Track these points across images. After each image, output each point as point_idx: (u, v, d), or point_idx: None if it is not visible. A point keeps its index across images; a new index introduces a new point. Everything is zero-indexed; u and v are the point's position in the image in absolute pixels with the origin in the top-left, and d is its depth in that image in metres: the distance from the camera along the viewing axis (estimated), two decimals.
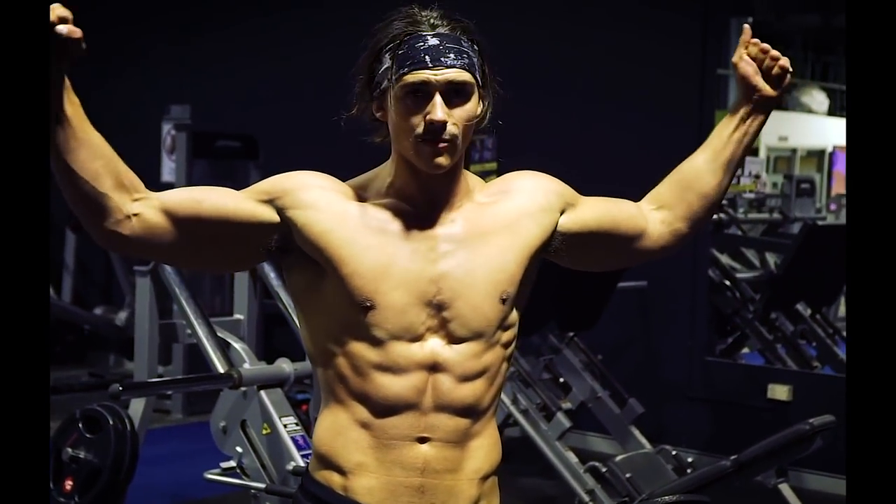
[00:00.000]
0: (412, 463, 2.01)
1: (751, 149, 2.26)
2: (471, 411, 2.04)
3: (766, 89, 2.18)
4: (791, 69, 2.20)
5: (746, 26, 2.20)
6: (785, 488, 4.75)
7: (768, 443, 4.59)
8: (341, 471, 2.03)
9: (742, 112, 2.21)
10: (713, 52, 6.51)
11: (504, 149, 6.97)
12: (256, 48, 8.60)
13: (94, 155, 1.94)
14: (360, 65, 2.03)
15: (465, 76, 1.95)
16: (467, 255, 2.02)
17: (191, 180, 7.82)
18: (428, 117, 1.93)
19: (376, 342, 1.99)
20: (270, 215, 2.01)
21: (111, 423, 4.07)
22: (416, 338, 2.00)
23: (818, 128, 11.15)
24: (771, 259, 7.64)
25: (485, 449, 2.08)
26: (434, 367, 2.01)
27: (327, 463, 2.04)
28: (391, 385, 1.99)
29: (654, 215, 2.23)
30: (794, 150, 10.56)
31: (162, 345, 4.87)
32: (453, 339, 2.01)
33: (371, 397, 2.01)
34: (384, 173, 2.06)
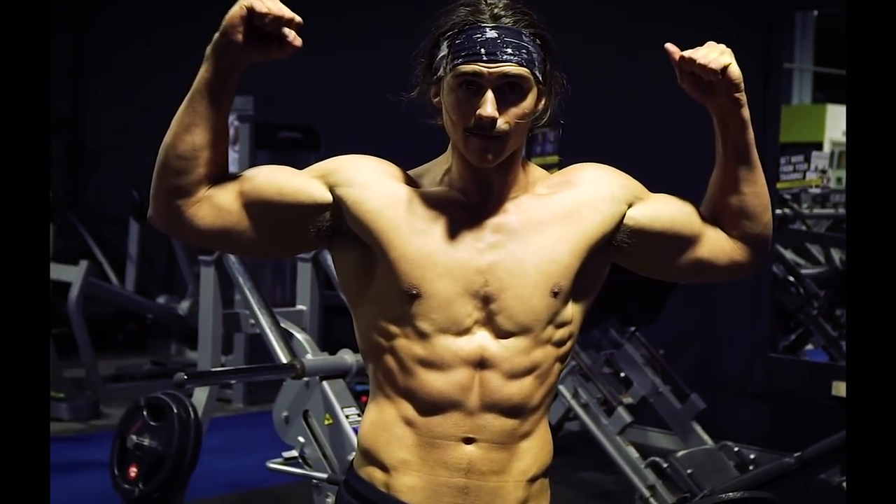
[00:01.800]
0: (456, 463, 1.98)
1: (753, 146, 2.14)
2: (519, 411, 1.99)
3: (708, 97, 2.09)
4: (720, 63, 2.08)
5: (668, 46, 2.12)
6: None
7: (833, 440, 4.54)
8: (384, 468, 2.01)
9: (717, 119, 2.12)
10: (777, 47, 6.44)
11: (566, 143, 6.95)
12: (318, 38, 8.61)
13: (215, 142, 1.95)
14: (421, 48, 2.00)
15: (520, 71, 1.91)
16: (518, 246, 1.98)
17: None
18: (478, 112, 1.90)
19: (422, 335, 1.96)
20: (322, 192, 2.00)
21: (175, 411, 4.10)
22: (463, 331, 1.96)
23: None
24: (836, 255, 7.55)
25: (534, 451, 2.03)
26: (481, 364, 1.96)
27: (371, 459, 2.02)
28: (436, 382, 1.96)
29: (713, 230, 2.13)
30: None
31: (224, 334, 4.90)
32: (501, 334, 1.97)
33: (416, 394, 1.98)
34: (442, 161, 2.05)
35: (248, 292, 4.47)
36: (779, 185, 6.53)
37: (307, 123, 8.15)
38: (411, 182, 2.02)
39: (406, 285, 1.95)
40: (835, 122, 10.09)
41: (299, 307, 4.84)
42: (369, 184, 1.99)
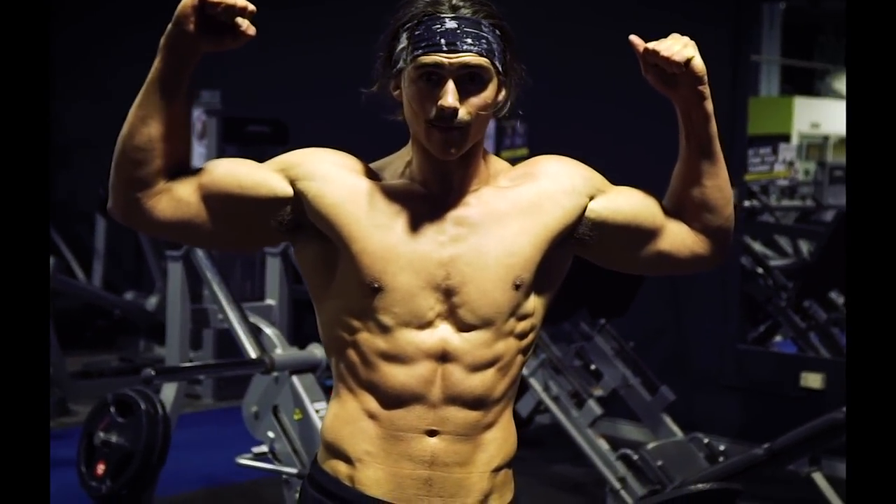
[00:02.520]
0: (420, 455, 1.98)
1: (716, 139, 2.15)
2: (482, 403, 2.00)
3: (672, 89, 2.09)
4: (684, 55, 2.08)
5: (632, 38, 2.11)
6: (818, 477, 4.72)
7: (801, 431, 4.56)
8: (348, 460, 2.00)
9: (681, 112, 2.13)
10: (745, 39, 6.46)
11: (535, 136, 6.95)
12: (286, 34, 8.60)
13: (172, 134, 1.94)
14: (380, 41, 1.99)
15: (480, 61, 1.90)
16: (479, 239, 1.97)
17: None
18: (439, 103, 1.89)
19: (384, 329, 1.96)
20: (283, 186, 1.98)
21: (143, 407, 4.08)
22: (425, 325, 1.96)
23: None
24: (804, 247, 7.59)
25: (497, 441, 2.03)
26: (443, 357, 1.96)
27: (335, 452, 2.02)
28: (399, 375, 1.96)
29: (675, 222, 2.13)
30: (826, 137, 10.46)
31: (192, 330, 4.87)
32: (463, 327, 1.97)
33: (379, 388, 1.98)
34: (403, 154, 2.04)
35: (216, 287, 4.45)
36: (747, 177, 6.56)
37: (275, 117, 8.13)
38: (372, 175, 2.01)
39: (368, 279, 1.94)
40: (802, 115, 10.15)
41: (268, 302, 4.82)
42: (330, 177, 1.98)
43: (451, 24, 1.89)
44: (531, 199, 2.01)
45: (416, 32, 1.90)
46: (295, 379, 4.12)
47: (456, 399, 1.97)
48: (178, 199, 1.95)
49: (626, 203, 2.09)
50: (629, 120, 6.76)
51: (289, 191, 1.98)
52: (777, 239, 7.78)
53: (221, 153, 7.85)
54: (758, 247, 7.30)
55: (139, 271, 9.42)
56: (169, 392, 4.34)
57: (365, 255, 1.94)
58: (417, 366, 1.96)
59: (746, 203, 6.69)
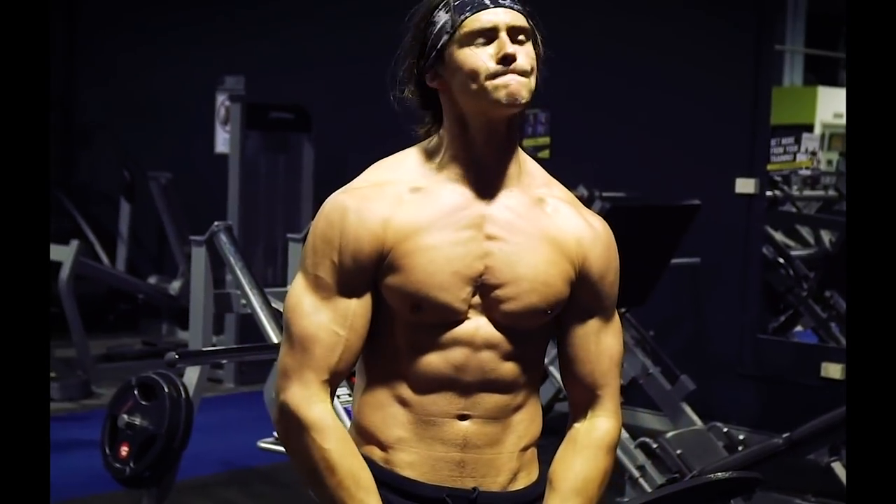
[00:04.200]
0: (452, 439, 2.01)
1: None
2: (513, 387, 2.03)
3: None
4: None
5: None
6: (837, 467, 4.72)
7: (821, 421, 4.56)
8: (382, 445, 2.03)
9: None
10: (769, 29, 6.44)
11: (557, 124, 6.95)
12: (310, 18, 8.61)
13: None
14: (407, 42, 2.00)
15: (525, 22, 1.95)
16: (517, 245, 2.00)
17: (244, 151, 7.86)
18: (501, 52, 1.92)
19: (418, 326, 2.00)
20: (368, 285, 2.00)
21: (166, 390, 4.10)
22: (459, 319, 1.99)
23: None
24: (826, 237, 7.56)
25: (525, 422, 2.07)
26: (478, 345, 1.99)
27: (368, 437, 2.04)
28: (431, 362, 1.99)
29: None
30: None
31: (215, 314, 4.89)
32: (496, 323, 2.00)
33: (410, 375, 2.00)
34: (430, 150, 2.04)
35: (239, 272, 4.47)
36: (769, 167, 6.54)
37: (298, 103, 8.14)
38: (394, 193, 2.00)
39: (411, 302, 1.97)
40: (826, 104, 10.09)
41: (290, 287, 4.84)
42: (363, 242, 1.98)
43: None
44: (562, 239, 2.03)
45: (456, 3, 1.93)
46: None
47: (488, 385, 2.01)
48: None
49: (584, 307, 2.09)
50: (651, 108, 6.75)
51: (370, 287, 2.00)
52: (799, 229, 7.76)
53: (244, 139, 7.87)
54: (779, 237, 7.29)
55: (162, 255, 9.46)
56: (191, 376, 4.36)
57: (408, 284, 1.97)
58: (451, 352, 1.99)
59: (769, 193, 6.68)
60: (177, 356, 3.90)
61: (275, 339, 4.18)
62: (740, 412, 6.28)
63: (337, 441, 1.95)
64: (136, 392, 4.16)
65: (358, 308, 1.98)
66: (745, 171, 6.38)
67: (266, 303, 4.34)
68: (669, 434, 5.13)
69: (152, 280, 8.58)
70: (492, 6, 1.93)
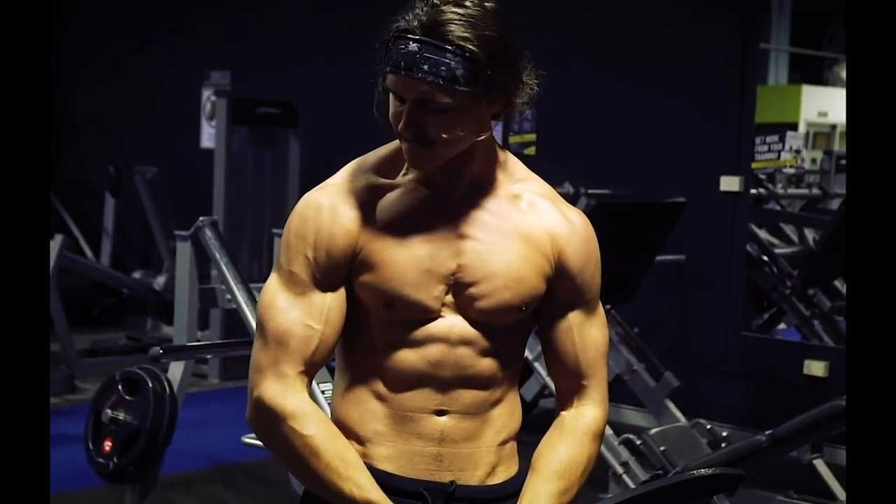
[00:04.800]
0: (430, 434, 2.01)
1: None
2: (490, 382, 2.04)
3: None
4: None
5: None
6: (820, 464, 4.74)
7: (804, 418, 4.58)
8: (359, 439, 2.03)
9: None
10: (754, 27, 6.46)
11: (543, 121, 6.95)
12: (296, 14, 8.61)
13: None
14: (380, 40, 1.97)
15: (432, 89, 1.87)
16: (490, 238, 2.00)
17: (230, 147, 7.85)
18: (402, 122, 1.92)
19: (394, 324, 2.00)
20: (343, 280, 2.00)
21: (150, 385, 4.10)
22: (433, 317, 2.00)
23: None
24: (809, 235, 7.59)
25: (504, 417, 2.07)
26: (452, 342, 2.00)
27: (346, 432, 2.03)
28: (407, 359, 1.99)
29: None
30: (833, 126, 10.45)
31: (200, 309, 4.89)
32: (471, 321, 2.01)
33: (387, 372, 2.01)
34: (399, 148, 2.03)
35: (224, 267, 4.47)
36: (754, 165, 6.57)
37: (285, 99, 8.13)
38: (367, 188, 2.01)
39: (383, 300, 1.98)
40: (810, 103, 10.13)
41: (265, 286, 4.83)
42: (338, 236, 1.98)
43: (412, 47, 1.87)
44: (535, 235, 2.03)
45: (389, 49, 1.90)
46: None
47: (465, 381, 2.01)
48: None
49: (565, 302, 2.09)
50: (637, 106, 6.76)
51: (344, 283, 2.00)
52: (783, 227, 7.78)
53: (230, 134, 7.86)
54: (763, 234, 7.31)
55: (147, 250, 9.45)
56: (176, 371, 4.35)
57: (380, 282, 1.97)
58: (427, 349, 1.99)
59: (753, 191, 6.70)
60: (161, 351, 3.90)
61: None
62: (724, 409, 6.30)
63: (318, 425, 1.95)
64: (120, 387, 4.16)
65: (332, 302, 1.98)
66: (730, 169, 6.40)
67: (251, 298, 4.34)
68: (653, 431, 5.14)
69: (137, 275, 8.57)
70: (403, 73, 1.88)
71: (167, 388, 4.14)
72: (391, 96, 1.93)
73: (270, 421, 1.96)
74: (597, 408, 2.12)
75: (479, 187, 2.03)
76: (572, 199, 5.56)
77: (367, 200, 2.00)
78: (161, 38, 9.37)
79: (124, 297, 8.86)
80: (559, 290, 2.06)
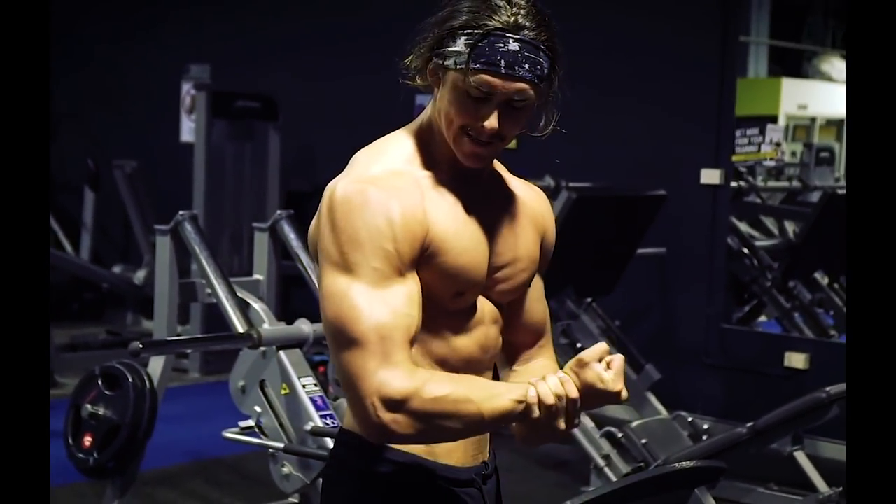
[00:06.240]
0: None
1: None
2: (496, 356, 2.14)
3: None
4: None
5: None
6: (800, 456, 4.76)
7: (784, 410, 4.60)
8: None
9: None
10: (734, 20, 6.47)
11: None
12: (276, 7, 8.58)
13: None
14: (432, 23, 1.95)
15: (530, 93, 1.91)
16: (508, 222, 2.07)
17: (210, 140, 7.83)
18: (483, 124, 1.90)
19: (456, 313, 2.02)
20: (417, 264, 1.95)
21: (130, 380, 4.09)
22: (476, 302, 2.04)
23: (838, 96, 11.07)
24: (790, 227, 7.61)
25: None
26: (488, 322, 2.06)
27: None
28: (465, 346, 2.02)
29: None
30: (813, 119, 10.48)
31: (180, 304, 4.88)
32: (493, 297, 2.06)
33: (448, 361, 2.00)
34: (422, 136, 2.02)
35: (204, 262, 4.46)
36: (734, 158, 6.58)
37: (265, 92, 8.11)
38: (416, 180, 1.98)
39: (456, 290, 1.98)
40: (790, 96, 10.16)
41: (256, 277, 4.82)
42: (408, 224, 1.93)
43: (513, 46, 1.88)
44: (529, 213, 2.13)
45: (479, 45, 1.88)
46: (282, 354, 4.14)
47: (493, 358, 2.10)
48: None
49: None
50: (617, 99, 6.76)
51: (414, 269, 1.94)
52: (763, 219, 7.80)
53: (210, 128, 7.83)
54: (744, 227, 7.33)
55: (127, 245, 9.42)
56: (156, 365, 4.34)
57: (452, 271, 1.96)
58: (475, 333, 2.03)
59: (733, 184, 6.72)
60: (141, 346, 3.89)
61: (240, 329, 4.17)
62: (705, 401, 6.31)
63: (447, 382, 1.87)
64: (99, 382, 4.15)
65: (415, 287, 1.93)
66: (710, 162, 6.41)
67: (231, 292, 4.33)
68: (634, 423, 5.16)
69: (117, 269, 8.54)
70: (503, 71, 1.88)
71: (147, 382, 4.13)
72: (462, 93, 1.90)
73: (411, 407, 1.84)
74: (553, 363, 2.18)
75: (490, 174, 2.09)
76: (553, 193, 5.56)
77: (420, 192, 1.96)
78: (140, 31, 9.33)
79: (104, 292, 8.83)
80: (539, 260, 2.16)
